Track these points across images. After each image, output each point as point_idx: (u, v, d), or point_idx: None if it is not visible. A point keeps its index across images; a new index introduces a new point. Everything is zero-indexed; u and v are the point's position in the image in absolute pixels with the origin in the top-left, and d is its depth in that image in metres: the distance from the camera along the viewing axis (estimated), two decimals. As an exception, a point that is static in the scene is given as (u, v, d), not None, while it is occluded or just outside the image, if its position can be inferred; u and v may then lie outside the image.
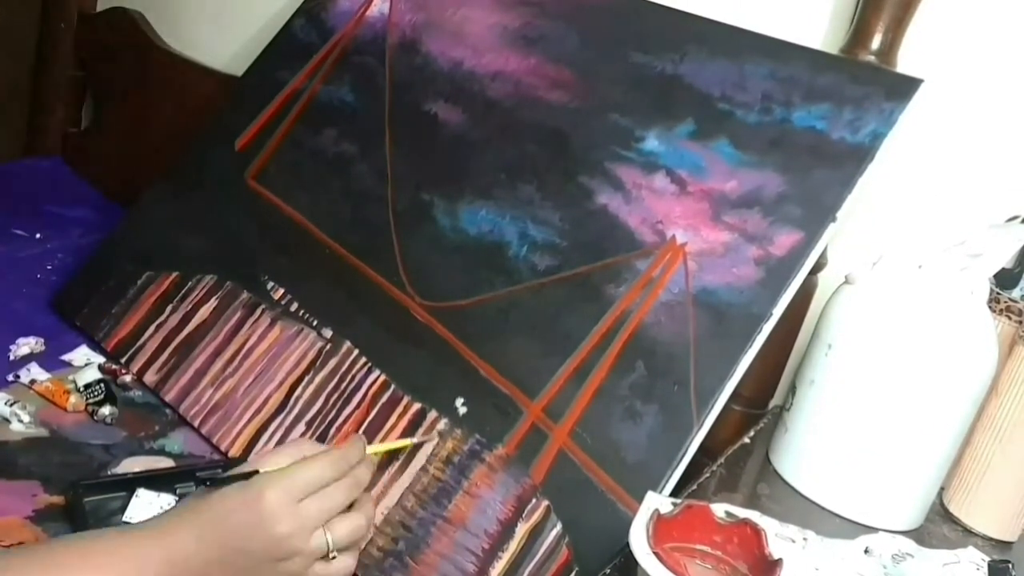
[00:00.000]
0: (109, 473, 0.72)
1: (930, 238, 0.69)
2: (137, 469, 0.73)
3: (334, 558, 0.59)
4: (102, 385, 0.80)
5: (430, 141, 0.84)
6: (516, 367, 0.71)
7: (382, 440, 0.72)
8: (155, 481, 0.70)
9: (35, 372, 0.81)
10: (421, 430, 0.71)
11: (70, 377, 0.82)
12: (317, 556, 0.59)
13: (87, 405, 0.79)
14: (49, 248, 1.03)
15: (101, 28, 1.22)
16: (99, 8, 1.25)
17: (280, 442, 0.75)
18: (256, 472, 0.58)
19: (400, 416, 0.73)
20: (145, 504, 0.68)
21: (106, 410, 0.79)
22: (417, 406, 0.73)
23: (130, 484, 0.70)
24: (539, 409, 0.68)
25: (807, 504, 0.67)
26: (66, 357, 0.85)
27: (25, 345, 0.85)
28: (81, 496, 0.67)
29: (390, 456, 0.71)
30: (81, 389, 0.80)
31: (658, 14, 0.80)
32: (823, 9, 0.80)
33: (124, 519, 0.67)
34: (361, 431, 0.73)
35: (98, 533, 0.59)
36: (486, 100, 0.83)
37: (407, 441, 0.71)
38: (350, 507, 0.61)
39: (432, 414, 0.72)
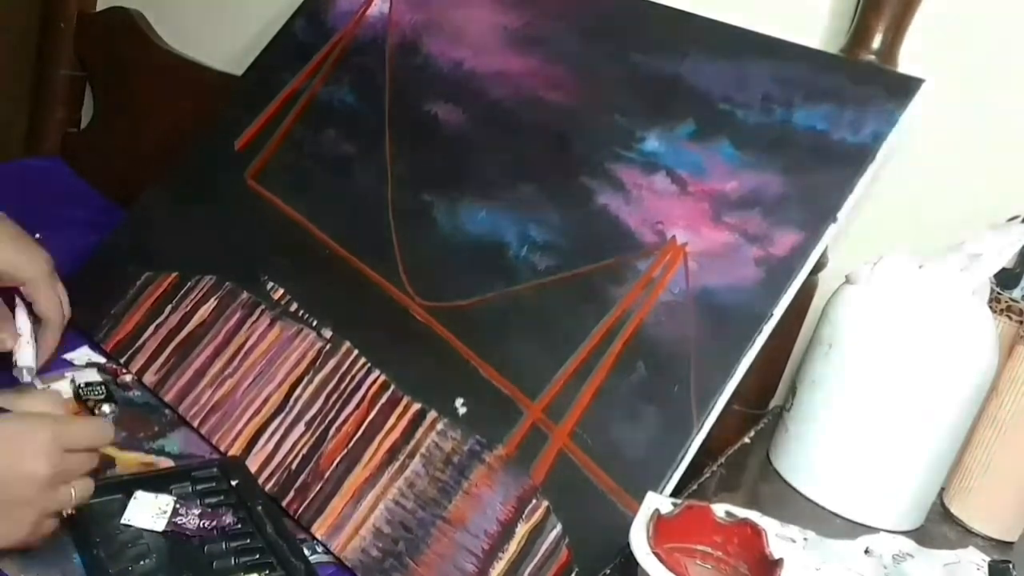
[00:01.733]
0: (107, 475, 0.72)
1: (931, 238, 0.69)
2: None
3: (66, 515, 0.60)
4: (103, 385, 0.80)
5: (430, 141, 0.84)
6: (516, 367, 0.71)
7: (375, 452, 0.72)
8: (152, 482, 0.70)
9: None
10: (420, 431, 0.71)
11: (66, 373, 0.82)
12: (54, 508, 0.59)
13: (87, 403, 0.79)
14: (49, 248, 1.03)
15: (101, 28, 1.22)
16: (99, 7, 1.25)
17: (279, 442, 0.75)
18: (5, 411, 0.58)
19: (400, 416, 0.73)
20: (143, 506, 0.68)
21: (107, 408, 0.79)
22: (417, 406, 0.73)
23: (127, 486, 0.69)
24: (539, 409, 0.68)
25: (807, 504, 0.67)
26: (67, 356, 0.85)
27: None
28: None
29: None
30: (82, 388, 0.80)
31: (659, 14, 0.79)
32: (823, 9, 0.80)
33: (123, 522, 0.67)
34: (361, 432, 0.73)
35: None
36: (486, 100, 0.83)
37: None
38: None
39: (432, 414, 0.72)
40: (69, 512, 0.60)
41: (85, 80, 1.25)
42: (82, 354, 0.86)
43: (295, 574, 0.65)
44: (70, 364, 0.84)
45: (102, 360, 0.86)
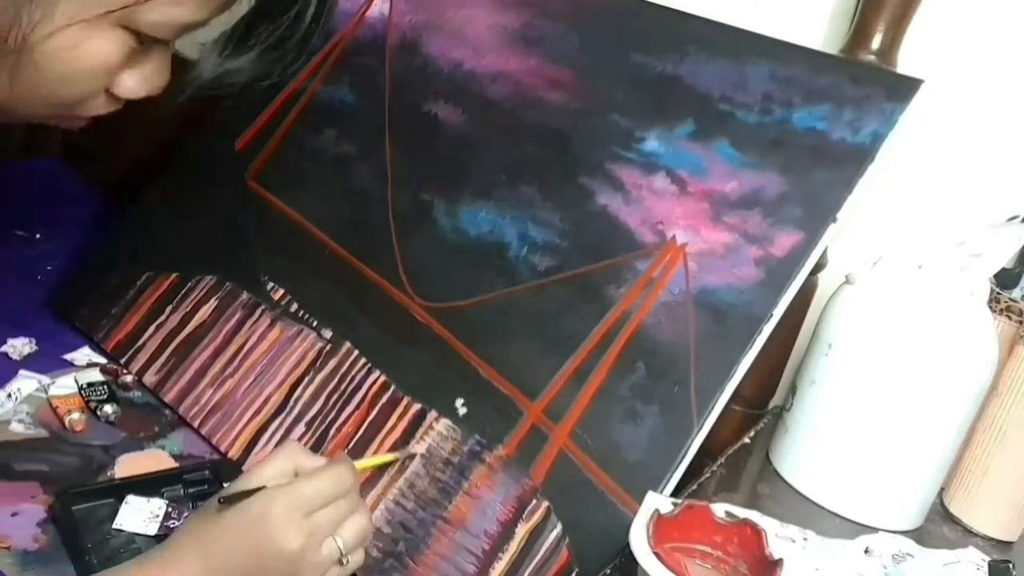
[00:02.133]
0: (98, 480, 0.72)
1: (930, 238, 0.69)
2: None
3: (347, 562, 0.60)
4: (105, 385, 0.81)
5: (430, 142, 0.84)
6: (516, 368, 0.71)
7: (375, 452, 0.72)
8: (143, 486, 0.70)
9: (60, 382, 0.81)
10: (420, 431, 0.71)
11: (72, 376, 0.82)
12: (330, 562, 0.59)
13: (89, 403, 0.79)
14: (49, 249, 1.03)
15: (101, 28, 1.22)
16: (99, 8, 1.25)
17: (280, 443, 0.75)
18: (259, 489, 0.58)
19: (400, 417, 0.73)
20: (135, 510, 0.67)
21: (109, 408, 0.79)
22: (417, 407, 0.73)
23: (118, 490, 0.69)
24: (539, 410, 0.68)
25: (807, 504, 0.67)
26: (68, 357, 0.85)
27: (11, 346, 0.84)
28: (69, 504, 0.67)
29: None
30: (84, 388, 0.80)
31: (658, 14, 0.79)
32: (823, 9, 0.80)
33: (114, 526, 0.66)
34: (361, 432, 0.73)
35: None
36: (486, 101, 0.83)
37: (391, 456, 0.71)
38: None
39: (432, 415, 0.72)
40: (350, 560, 0.60)
41: (85, 80, 1.25)
42: (83, 354, 0.86)
43: None
44: (71, 364, 0.85)
45: (103, 360, 0.86)
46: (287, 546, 0.56)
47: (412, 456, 0.71)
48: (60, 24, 0.57)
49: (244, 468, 0.74)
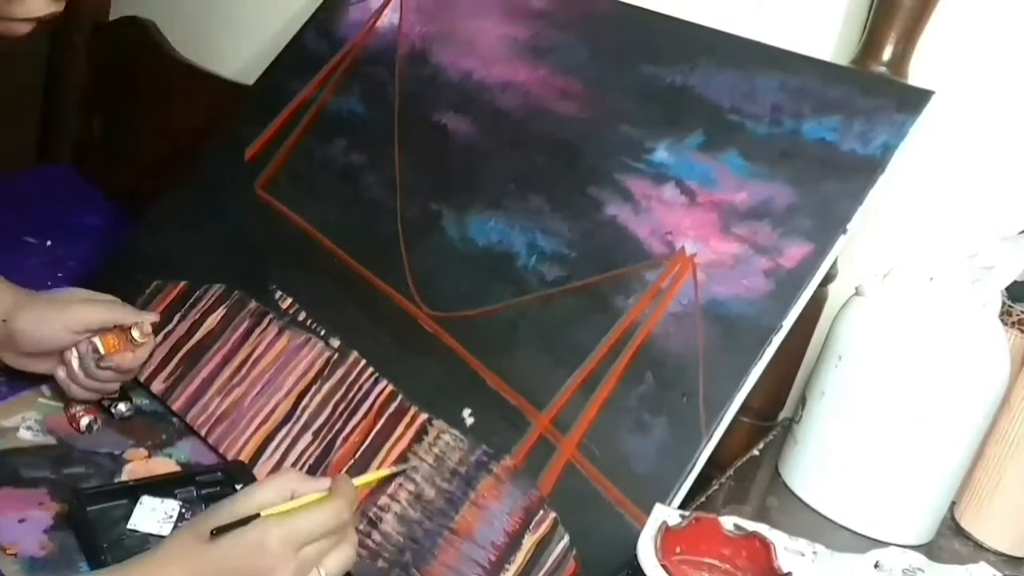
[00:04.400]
0: (113, 481, 0.72)
1: (941, 250, 0.68)
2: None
3: None
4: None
5: (439, 152, 0.84)
6: (524, 378, 0.70)
7: (382, 462, 0.72)
8: (157, 488, 0.70)
9: None
10: (427, 441, 0.71)
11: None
12: None
13: (103, 401, 0.79)
14: (59, 256, 1.04)
15: (113, 37, 1.23)
16: (112, 17, 1.26)
17: (287, 452, 0.75)
18: (256, 516, 0.58)
19: (407, 426, 0.73)
20: (149, 511, 0.68)
21: (123, 406, 0.80)
22: (424, 416, 0.73)
23: (132, 491, 0.70)
24: (547, 420, 0.68)
25: (817, 517, 0.67)
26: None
27: None
28: (84, 505, 0.67)
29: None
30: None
31: (668, 25, 0.79)
32: (834, 20, 0.80)
33: (129, 527, 0.67)
34: (368, 441, 0.73)
35: None
36: (496, 111, 0.83)
37: (389, 471, 0.70)
38: None
39: (439, 424, 0.72)
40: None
41: (98, 89, 1.26)
42: None
43: None
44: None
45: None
46: None
47: (410, 468, 0.70)
48: None
49: (254, 472, 0.74)
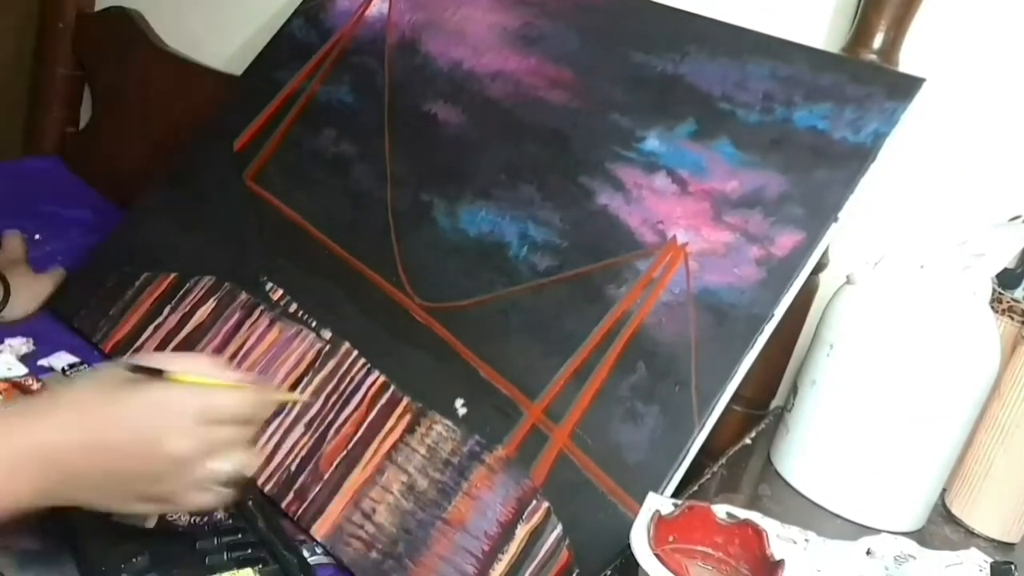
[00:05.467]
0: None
1: (932, 238, 0.68)
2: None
3: (218, 492, 0.55)
4: (86, 365, 0.80)
5: (430, 141, 0.83)
6: (516, 368, 0.70)
7: (374, 453, 0.72)
8: None
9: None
10: (420, 431, 0.71)
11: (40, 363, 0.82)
12: (204, 485, 0.54)
13: None
14: (48, 249, 1.03)
15: (99, 27, 1.22)
16: (97, 8, 1.25)
17: (279, 443, 0.75)
18: (161, 372, 0.52)
19: (399, 417, 0.73)
20: None
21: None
22: (416, 407, 0.72)
23: None
24: (539, 410, 0.68)
25: (809, 505, 0.67)
26: (44, 362, 0.84)
27: (8, 346, 0.84)
28: None
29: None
30: (66, 370, 0.80)
31: (658, 13, 0.79)
32: (824, 8, 0.80)
33: (114, 519, 0.66)
34: (360, 432, 0.73)
35: None
36: (486, 100, 0.82)
37: (296, 396, 0.73)
38: None
39: (432, 415, 0.72)
40: (221, 493, 0.54)
41: (84, 80, 1.25)
42: (60, 360, 0.85)
43: (288, 567, 0.64)
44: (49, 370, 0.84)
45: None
46: (174, 447, 0.51)
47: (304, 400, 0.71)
48: None
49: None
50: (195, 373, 0.55)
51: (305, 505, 0.72)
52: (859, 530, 0.64)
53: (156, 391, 0.52)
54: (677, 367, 0.65)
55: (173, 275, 0.87)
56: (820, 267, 0.76)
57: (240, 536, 0.66)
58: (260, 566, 0.64)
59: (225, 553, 0.65)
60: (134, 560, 0.63)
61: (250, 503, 0.69)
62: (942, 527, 0.68)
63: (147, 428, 0.52)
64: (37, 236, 1.05)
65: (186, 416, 0.52)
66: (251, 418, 0.56)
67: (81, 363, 0.82)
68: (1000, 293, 0.70)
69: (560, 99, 0.79)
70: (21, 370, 0.80)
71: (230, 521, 0.67)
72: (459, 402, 0.71)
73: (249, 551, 0.65)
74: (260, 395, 0.57)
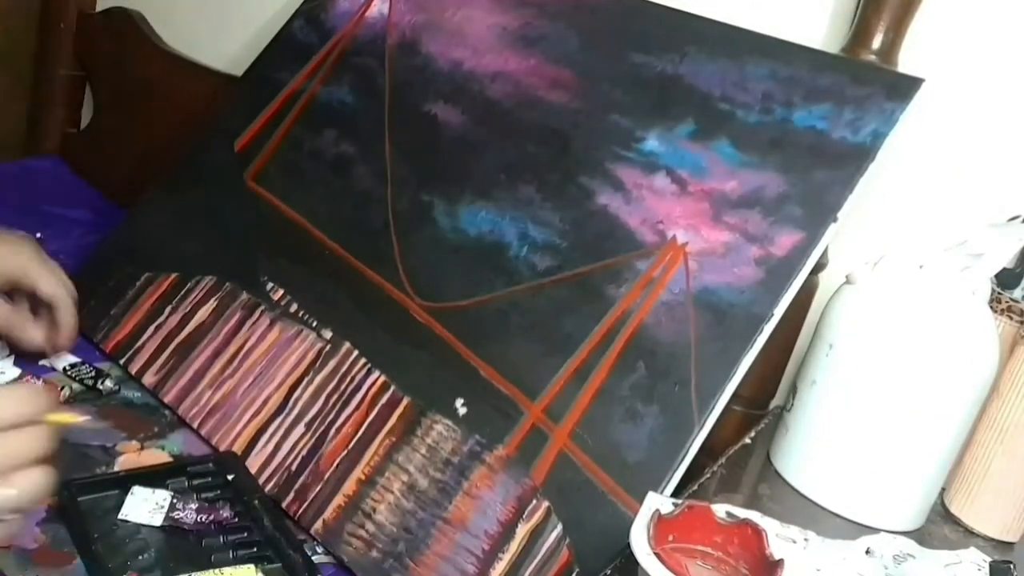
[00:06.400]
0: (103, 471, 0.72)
1: (931, 238, 0.68)
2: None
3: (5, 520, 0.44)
4: (86, 365, 0.80)
5: (430, 142, 0.83)
6: (516, 368, 0.70)
7: (374, 453, 0.72)
8: (148, 478, 0.70)
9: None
10: (420, 431, 0.71)
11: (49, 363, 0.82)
12: None
13: (84, 382, 0.79)
14: (49, 249, 1.03)
15: (100, 28, 1.22)
16: (98, 8, 1.25)
17: (279, 443, 0.75)
18: None
19: (400, 417, 0.73)
20: (140, 501, 0.68)
21: (109, 382, 0.80)
22: (417, 407, 0.73)
23: (124, 482, 0.69)
24: (539, 410, 0.68)
25: (808, 504, 0.67)
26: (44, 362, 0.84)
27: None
28: (75, 495, 0.67)
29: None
30: (68, 369, 0.80)
31: (658, 14, 0.79)
32: (824, 9, 0.80)
33: (120, 517, 0.67)
34: (361, 432, 0.73)
35: None
36: (486, 101, 0.82)
37: (73, 418, 0.52)
38: None
39: (432, 415, 0.72)
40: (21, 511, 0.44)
41: (85, 80, 1.25)
42: (60, 360, 0.84)
43: (293, 566, 0.65)
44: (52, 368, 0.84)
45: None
46: None
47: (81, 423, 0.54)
48: None
49: (247, 464, 0.74)
50: None
51: (306, 505, 0.72)
52: (858, 529, 0.64)
53: None
54: (677, 367, 0.65)
55: (174, 275, 0.87)
56: (819, 267, 0.76)
57: (246, 535, 0.67)
58: (265, 564, 0.65)
59: (231, 551, 0.65)
60: (140, 558, 0.64)
61: (256, 502, 0.70)
62: (941, 526, 0.68)
63: None
64: (38, 236, 1.05)
65: None
66: (20, 418, 0.43)
67: (82, 363, 0.83)
68: (999, 293, 0.70)
69: (560, 99, 0.79)
70: (14, 372, 0.80)
71: (236, 520, 0.68)
72: (459, 402, 0.71)
73: (254, 549, 0.66)
74: (32, 392, 0.45)
